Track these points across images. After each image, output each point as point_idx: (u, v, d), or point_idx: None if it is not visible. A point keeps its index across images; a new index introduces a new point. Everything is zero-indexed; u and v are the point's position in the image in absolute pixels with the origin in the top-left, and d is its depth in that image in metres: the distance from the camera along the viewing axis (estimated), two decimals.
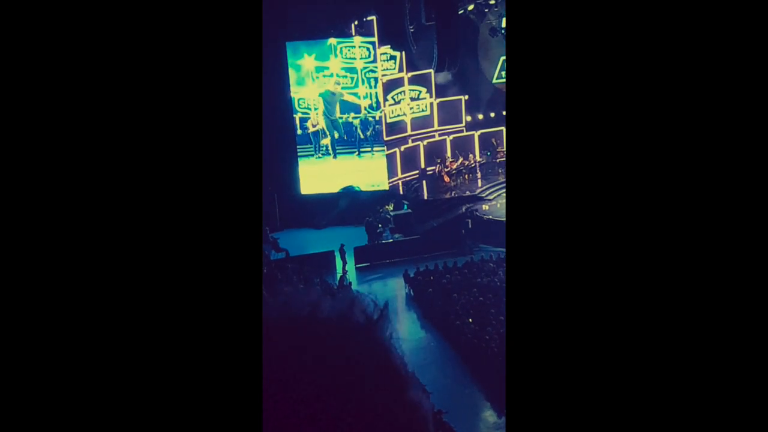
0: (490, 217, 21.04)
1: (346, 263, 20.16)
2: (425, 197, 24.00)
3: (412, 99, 24.81)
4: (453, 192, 23.77)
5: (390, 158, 24.16)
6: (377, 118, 23.67)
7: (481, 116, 25.54)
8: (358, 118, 23.70)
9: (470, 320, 14.68)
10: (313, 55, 23.31)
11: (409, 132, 24.88)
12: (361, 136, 23.76)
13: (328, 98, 23.65)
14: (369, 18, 23.02)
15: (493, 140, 25.13)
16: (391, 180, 24.11)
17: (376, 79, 23.51)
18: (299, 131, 23.93)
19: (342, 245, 20.27)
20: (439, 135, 25.34)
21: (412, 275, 18.45)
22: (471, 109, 25.54)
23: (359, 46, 23.32)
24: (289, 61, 23.21)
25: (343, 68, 23.40)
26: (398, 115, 24.56)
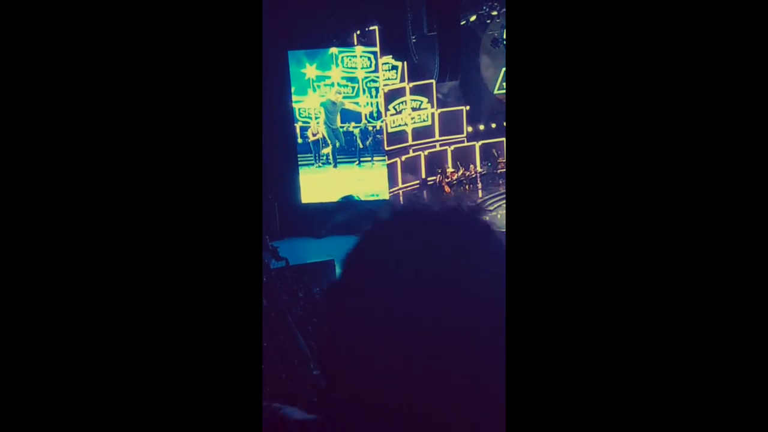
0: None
1: None
2: None
3: (413, 109, 24.84)
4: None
5: (391, 168, 24.16)
6: (378, 128, 23.69)
7: (482, 127, 25.56)
8: (359, 127, 23.72)
9: None
10: (314, 65, 23.35)
11: (410, 142, 24.90)
12: (361, 146, 23.77)
13: (329, 107, 23.67)
14: (371, 28, 23.07)
15: (494, 151, 25.15)
16: (391, 190, 24.11)
17: (377, 89, 23.54)
18: (300, 140, 23.94)
19: None
20: (440, 145, 25.36)
21: None
22: (472, 119, 25.57)
23: (361, 56, 23.36)
24: (291, 69, 23.24)
25: (344, 77, 23.44)
26: (399, 125, 24.58)
